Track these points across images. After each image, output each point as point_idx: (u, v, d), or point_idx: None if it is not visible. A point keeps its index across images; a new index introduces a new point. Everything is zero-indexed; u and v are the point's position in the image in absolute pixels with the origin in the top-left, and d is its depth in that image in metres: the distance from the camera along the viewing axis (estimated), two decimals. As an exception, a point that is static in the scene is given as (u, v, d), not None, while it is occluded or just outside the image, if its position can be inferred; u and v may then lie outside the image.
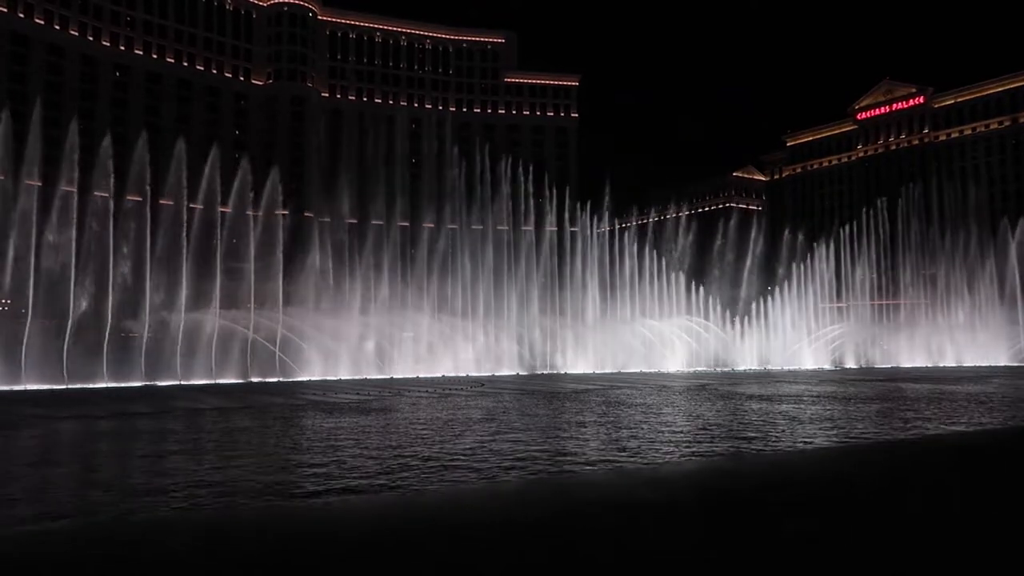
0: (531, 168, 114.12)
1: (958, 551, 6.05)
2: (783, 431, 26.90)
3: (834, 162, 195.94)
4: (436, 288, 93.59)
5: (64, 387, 58.12)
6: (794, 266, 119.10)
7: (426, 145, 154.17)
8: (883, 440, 24.53)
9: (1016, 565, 5.74)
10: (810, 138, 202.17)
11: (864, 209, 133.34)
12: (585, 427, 28.56)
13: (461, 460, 20.16)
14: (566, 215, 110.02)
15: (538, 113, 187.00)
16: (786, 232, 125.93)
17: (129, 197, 77.80)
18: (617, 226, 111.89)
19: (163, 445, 25.34)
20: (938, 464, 11.50)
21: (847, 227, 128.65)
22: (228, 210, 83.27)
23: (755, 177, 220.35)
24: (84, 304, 69.58)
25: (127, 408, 39.87)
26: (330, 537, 6.35)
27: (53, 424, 32.56)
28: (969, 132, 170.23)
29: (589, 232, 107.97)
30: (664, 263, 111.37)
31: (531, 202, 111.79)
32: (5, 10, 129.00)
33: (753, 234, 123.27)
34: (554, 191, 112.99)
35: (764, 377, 77.35)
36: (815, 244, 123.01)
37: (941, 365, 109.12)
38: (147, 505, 15.08)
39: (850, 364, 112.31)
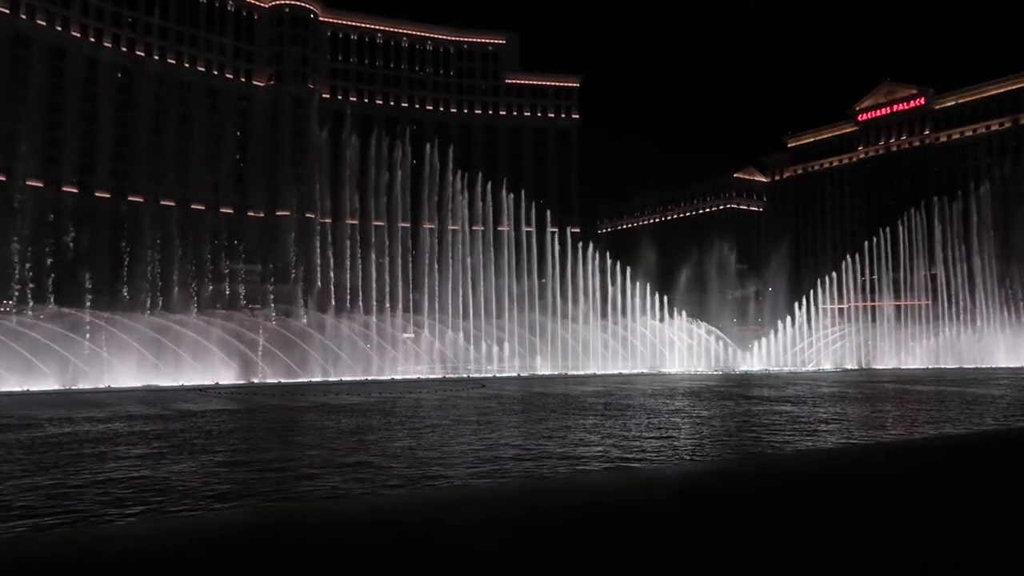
0: (532, 171, 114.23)
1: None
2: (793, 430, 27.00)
3: (835, 163, 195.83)
4: (437, 291, 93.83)
5: None
6: (794, 268, 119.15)
7: (427, 147, 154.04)
8: None
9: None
10: (811, 139, 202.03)
11: (865, 211, 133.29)
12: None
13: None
14: (566, 217, 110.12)
15: (539, 114, 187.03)
16: (788, 234, 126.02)
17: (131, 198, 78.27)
18: (617, 227, 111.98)
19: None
20: None
21: (847, 229, 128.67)
22: (230, 211, 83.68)
23: (756, 178, 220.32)
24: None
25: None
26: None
27: None
28: (970, 133, 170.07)
29: (589, 234, 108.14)
30: (664, 265, 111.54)
31: (532, 204, 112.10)
32: (7, 11, 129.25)
33: (754, 235, 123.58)
34: (555, 193, 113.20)
35: (768, 379, 77.37)
36: (816, 246, 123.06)
37: (942, 367, 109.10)
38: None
39: (850, 365, 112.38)
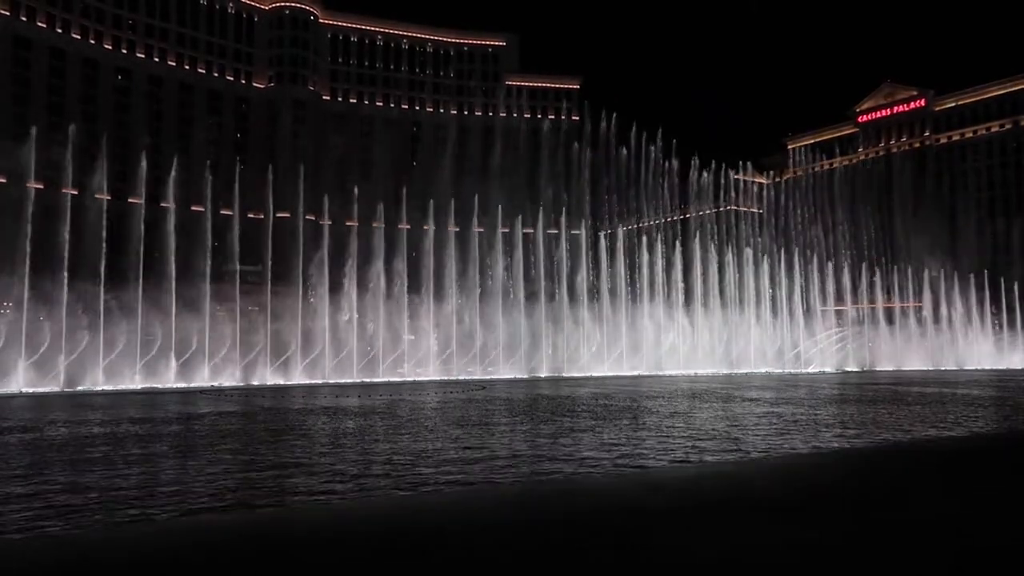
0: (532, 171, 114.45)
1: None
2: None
3: (835, 165, 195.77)
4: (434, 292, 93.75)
5: None
6: (794, 269, 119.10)
7: (427, 148, 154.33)
8: None
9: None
10: (811, 140, 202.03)
11: (864, 212, 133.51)
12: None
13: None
14: (567, 218, 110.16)
15: (539, 116, 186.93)
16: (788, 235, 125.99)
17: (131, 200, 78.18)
18: (617, 229, 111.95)
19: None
20: None
21: (847, 230, 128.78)
22: (229, 213, 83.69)
23: (755, 180, 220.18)
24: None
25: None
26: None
27: None
28: (970, 135, 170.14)
29: (590, 235, 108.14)
30: (664, 267, 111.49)
31: (530, 205, 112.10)
32: (7, 13, 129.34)
33: (753, 237, 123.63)
34: (554, 194, 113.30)
35: (768, 381, 77.26)
36: (815, 248, 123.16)
37: (942, 368, 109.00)
38: None
39: (851, 367, 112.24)
